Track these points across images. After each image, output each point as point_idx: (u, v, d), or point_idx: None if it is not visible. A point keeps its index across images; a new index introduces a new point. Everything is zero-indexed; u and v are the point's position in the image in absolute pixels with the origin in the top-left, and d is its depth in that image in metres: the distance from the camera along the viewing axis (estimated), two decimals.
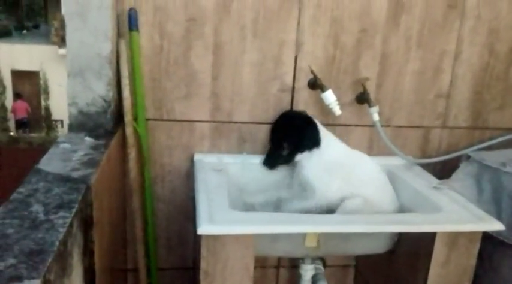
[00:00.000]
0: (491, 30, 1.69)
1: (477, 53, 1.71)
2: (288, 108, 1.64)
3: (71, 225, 0.88)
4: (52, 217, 0.88)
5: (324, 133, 1.52)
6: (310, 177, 1.47)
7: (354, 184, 1.46)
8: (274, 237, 1.34)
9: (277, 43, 1.57)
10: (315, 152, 1.48)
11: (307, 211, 1.44)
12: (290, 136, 1.51)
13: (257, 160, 1.62)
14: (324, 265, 1.59)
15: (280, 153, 1.53)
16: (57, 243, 0.78)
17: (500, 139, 1.73)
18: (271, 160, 1.56)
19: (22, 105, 11.65)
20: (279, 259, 1.82)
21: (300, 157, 1.50)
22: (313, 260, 1.55)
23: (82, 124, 1.43)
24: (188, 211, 1.64)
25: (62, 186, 1.02)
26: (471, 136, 1.79)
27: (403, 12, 1.62)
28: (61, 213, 0.89)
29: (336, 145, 1.54)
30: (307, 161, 1.49)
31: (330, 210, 1.45)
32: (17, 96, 11.68)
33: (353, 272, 1.89)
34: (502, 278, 1.45)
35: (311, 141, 1.49)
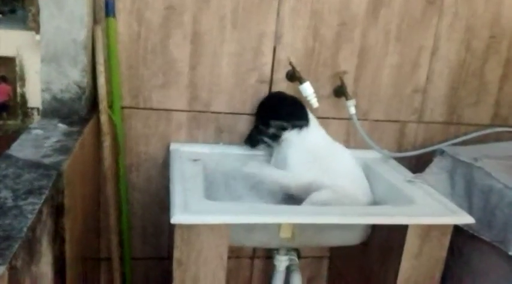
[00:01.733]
0: (468, 27, 1.71)
1: (454, 49, 1.73)
2: None
3: (40, 212, 0.86)
4: (21, 203, 0.86)
5: (311, 116, 1.55)
6: (290, 155, 1.48)
7: (329, 174, 1.47)
8: (249, 227, 1.34)
9: (256, 34, 1.57)
10: (304, 131, 1.50)
11: (277, 184, 1.47)
12: (280, 114, 1.52)
13: (234, 150, 1.62)
14: (299, 256, 1.60)
15: (265, 131, 1.53)
16: (25, 229, 0.77)
17: (474, 135, 1.77)
18: (254, 139, 1.58)
19: (5, 88, 11.28)
20: (254, 250, 1.82)
21: (287, 135, 1.50)
22: (288, 251, 1.56)
23: (55, 110, 1.40)
24: (164, 201, 1.63)
25: (33, 172, 1.00)
26: (446, 131, 1.81)
27: (383, 6, 1.63)
28: (30, 199, 0.88)
29: (320, 130, 1.56)
30: (295, 138, 1.50)
31: (298, 195, 1.46)
32: (2, 78, 11.31)
33: (327, 264, 1.91)
34: (472, 270, 1.48)
35: (303, 119, 1.51)
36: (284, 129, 1.50)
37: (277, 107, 1.54)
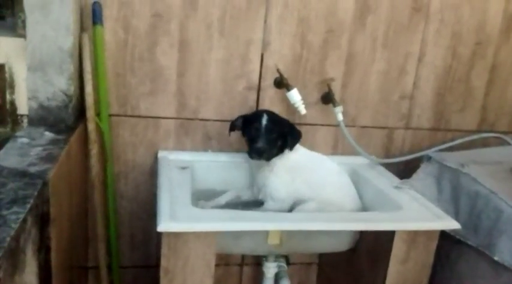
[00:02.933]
0: (454, 33, 1.73)
1: (440, 56, 1.75)
2: (254, 106, 1.64)
3: (24, 221, 0.85)
4: (4, 212, 0.85)
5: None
6: (271, 182, 1.48)
7: (313, 187, 1.48)
8: (237, 234, 1.34)
9: (244, 41, 1.57)
10: (285, 155, 1.48)
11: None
12: (287, 132, 1.47)
13: (222, 157, 1.62)
14: (288, 263, 1.60)
15: (274, 142, 1.45)
16: (8, 239, 0.76)
17: (460, 141, 1.78)
18: (265, 147, 1.42)
19: None
20: (243, 257, 1.82)
21: (276, 161, 1.48)
22: (277, 258, 1.56)
23: (42, 118, 1.40)
24: (152, 209, 1.62)
25: (18, 181, 1.00)
26: (433, 137, 1.83)
27: (369, 13, 1.64)
28: (14, 209, 0.87)
29: (298, 148, 1.53)
30: (278, 161, 1.48)
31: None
32: None
33: (316, 270, 1.91)
34: (458, 275, 1.49)
35: (297, 138, 1.49)
36: (288, 144, 1.48)
37: (284, 126, 1.49)
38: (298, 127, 1.59)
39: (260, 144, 1.42)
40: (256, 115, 1.48)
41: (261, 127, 1.44)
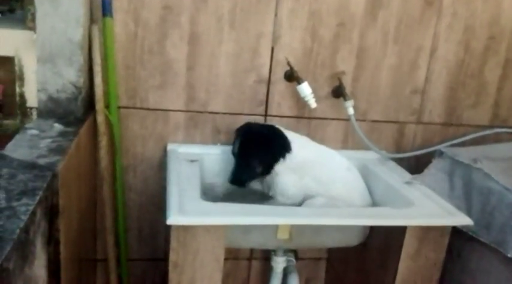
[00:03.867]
0: (467, 27, 1.70)
1: (453, 50, 1.72)
2: (264, 99, 1.63)
3: (34, 213, 0.85)
4: (15, 204, 0.85)
5: (291, 136, 1.49)
6: (280, 182, 1.46)
7: (322, 183, 1.46)
8: (246, 229, 1.33)
9: (254, 34, 1.56)
10: (288, 157, 1.45)
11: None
12: (262, 154, 1.44)
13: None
14: (296, 258, 1.59)
15: (252, 170, 1.45)
16: (17, 231, 0.76)
17: (473, 136, 1.76)
18: (243, 178, 1.47)
19: None
20: (252, 251, 1.81)
21: (276, 166, 1.46)
22: (285, 252, 1.55)
23: (51, 110, 1.39)
24: (160, 202, 1.62)
25: (27, 172, 0.99)
26: (445, 132, 1.81)
27: (381, 7, 1.62)
28: (24, 200, 0.87)
29: (304, 145, 1.52)
30: (281, 166, 1.45)
31: None
32: None
33: (325, 265, 1.90)
34: (470, 272, 1.47)
35: (284, 149, 1.45)
36: (271, 165, 1.45)
37: (257, 147, 1.45)
38: (307, 121, 1.59)
39: (234, 175, 1.46)
40: (236, 135, 1.49)
41: (235, 153, 1.47)
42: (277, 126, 1.52)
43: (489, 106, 1.82)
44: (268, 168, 1.45)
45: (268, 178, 1.49)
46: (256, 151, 1.45)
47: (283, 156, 1.44)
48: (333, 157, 1.56)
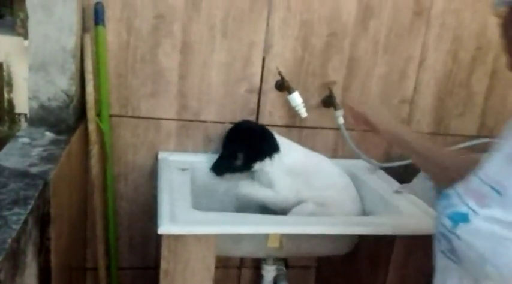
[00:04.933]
0: (455, 38, 1.73)
1: (441, 60, 1.75)
2: (255, 109, 1.64)
3: (25, 222, 0.85)
4: (6, 213, 0.85)
5: (281, 140, 1.52)
6: (273, 178, 1.48)
7: (313, 188, 1.48)
8: (237, 237, 1.34)
9: (246, 44, 1.57)
10: (276, 157, 1.48)
11: (264, 202, 1.49)
12: (247, 147, 1.48)
13: None
14: (286, 266, 1.60)
15: (232, 162, 1.50)
16: (9, 241, 0.76)
17: (460, 146, 1.78)
18: (222, 168, 1.53)
19: None
20: (242, 260, 1.81)
21: (259, 165, 1.48)
22: (276, 261, 1.56)
23: (43, 118, 1.39)
24: (151, 210, 1.62)
25: (19, 181, 0.99)
26: (433, 141, 1.82)
27: (372, 17, 1.64)
28: (16, 209, 0.87)
29: (295, 149, 1.54)
30: (270, 167, 1.48)
31: (284, 212, 1.46)
32: None
33: (314, 274, 1.90)
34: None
35: (271, 147, 1.49)
36: (253, 161, 1.48)
37: (243, 140, 1.51)
38: (298, 130, 1.60)
39: (214, 163, 1.53)
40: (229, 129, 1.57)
41: (222, 144, 1.55)
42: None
43: (476, 116, 1.85)
44: (249, 164, 1.48)
45: (263, 179, 1.50)
46: (240, 145, 1.49)
47: (270, 156, 1.47)
48: (325, 164, 1.57)
